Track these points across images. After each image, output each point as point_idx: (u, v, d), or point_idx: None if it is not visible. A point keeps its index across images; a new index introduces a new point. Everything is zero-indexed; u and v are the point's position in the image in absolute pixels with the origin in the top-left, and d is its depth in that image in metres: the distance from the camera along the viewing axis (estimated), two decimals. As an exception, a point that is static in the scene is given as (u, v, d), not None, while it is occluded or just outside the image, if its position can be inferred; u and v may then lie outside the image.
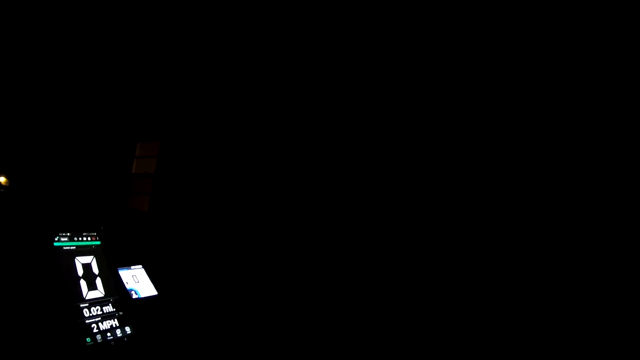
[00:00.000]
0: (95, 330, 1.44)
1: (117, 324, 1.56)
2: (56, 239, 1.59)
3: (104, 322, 1.51)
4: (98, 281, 1.64)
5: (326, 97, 2.04)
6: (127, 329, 1.58)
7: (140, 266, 1.98)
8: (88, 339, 1.39)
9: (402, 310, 1.62)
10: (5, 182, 2.33)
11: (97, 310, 1.52)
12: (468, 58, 1.59)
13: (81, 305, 1.48)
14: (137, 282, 1.88)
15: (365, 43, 1.91)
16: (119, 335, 1.53)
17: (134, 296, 1.79)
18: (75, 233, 1.68)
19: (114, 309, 1.60)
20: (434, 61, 1.68)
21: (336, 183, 1.94)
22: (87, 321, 1.45)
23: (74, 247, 1.63)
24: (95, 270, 1.66)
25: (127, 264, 1.90)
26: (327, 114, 2.03)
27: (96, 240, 1.78)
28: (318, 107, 2.07)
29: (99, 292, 1.60)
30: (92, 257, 1.69)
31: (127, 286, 1.79)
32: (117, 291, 1.69)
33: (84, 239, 1.72)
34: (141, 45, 2.68)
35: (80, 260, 1.61)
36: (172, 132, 2.71)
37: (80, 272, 1.58)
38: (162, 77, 2.82)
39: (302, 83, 2.15)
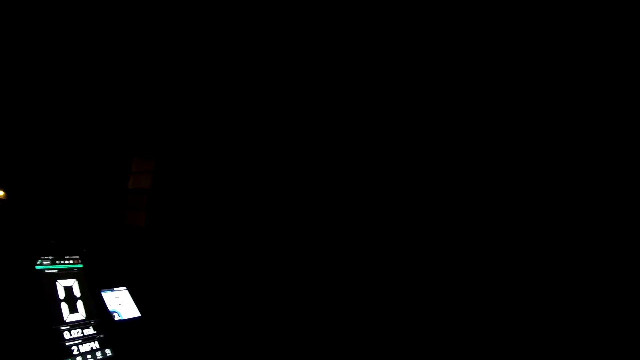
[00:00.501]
0: (75, 353, 1.46)
1: (98, 346, 1.57)
2: (38, 262, 1.61)
3: (85, 345, 1.52)
4: (79, 304, 1.66)
5: (322, 107, 2.09)
6: (108, 351, 1.60)
7: (124, 288, 2.00)
8: (67, 362, 1.40)
9: (402, 310, 1.62)
10: (3, 196, 2.33)
11: (77, 332, 1.54)
12: (468, 58, 1.62)
13: (62, 328, 1.49)
14: (120, 304, 1.90)
15: (362, 42, 1.94)
16: (99, 357, 1.54)
17: (116, 318, 1.80)
18: (57, 257, 1.71)
19: (95, 332, 1.62)
20: (433, 61, 1.71)
21: (332, 193, 1.97)
22: (67, 344, 1.46)
23: (56, 271, 1.66)
24: (77, 293, 1.68)
25: (111, 286, 1.92)
26: (323, 122, 2.07)
27: (78, 263, 1.80)
28: (313, 116, 2.12)
29: (80, 315, 1.62)
30: (74, 280, 1.72)
31: (110, 308, 1.81)
32: (98, 313, 1.71)
33: (66, 262, 1.74)
34: (139, 61, 2.76)
35: (61, 284, 1.64)
36: (168, 149, 2.77)
37: (61, 295, 1.60)
38: (159, 93, 2.89)
39: (296, 97, 2.20)
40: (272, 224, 2.16)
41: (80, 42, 2.60)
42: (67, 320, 1.54)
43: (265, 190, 2.25)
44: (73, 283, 1.70)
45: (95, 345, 1.56)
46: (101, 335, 1.63)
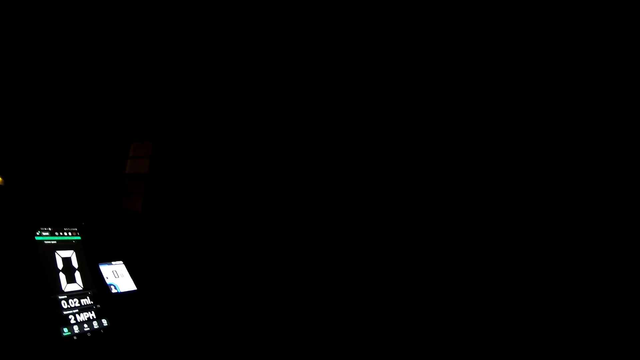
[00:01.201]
0: (72, 322, 1.50)
1: (95, 316, 1.61)
2: (37, 233, 1.64)
3: (82, 314, 1.56)
4: (77, 275, 1.69)
5: (319, 94, 2.08)
6: (104, 322, 1.64)
7: (121, 262, 2.04)
8: (65, 330, 1.45)
9: (401, 310, 1.64)
10: (1, 182, 2.36)
11: (75, 302, 1.58)
12: (468, 58, 1.61)
13: (59, 297, 1.53)
14: (117, 277, 1.94)
15: (361, 41, 1.93)
16: (95, 327, 1.59)
17: (113, 290, 1.85)
18: (56, 228, 1.74)
19: (92, 302, 1.66)
20: (433, 61, 1.70)
21: (327, 180, 1.98)
22: (64, 312, 1.50)
23: (55, 242, 1.69)
24: (75, 264, 1.72)
25: (108, 260, 1.96)
26: (321, 110, 2.07)
27: (77, 235, 1.84)
28: (312, 104, 2.11)
29: (78, 285, 1.66)
30: (72, 251, 1.75)
31: (107, 281, 1.85)
32: (96, 285, 1.75)
33: (65, 234, 1.77)
34: (136, 46, 2.74)
35: (60, 254, 1.67)
36: (165, 133, 2.77)
37: (60, 265, 1.64)
38: (156, 78, 2.88)
39: (294, 82, 2.19)
40: (268, 210, 2.19)
41: (75, 28, 2.58)
42: (65, 290, 1.58)
43: (261, 175, 2.26)
44: (71, 254, 1.73)
45: (91, 315, 1.61)
46: (98, 306, 1.67)
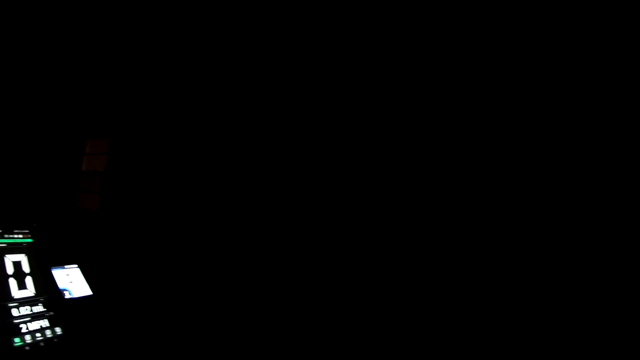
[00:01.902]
0: (24, 331, 1.42)
1: (48, 324, 1.54)
2: (-16, 236, 1.53)
3: (34, 322, 1.48)
4: (28, 280, 1.60)
5: (281, 81, 2.06)
6: (58, 330, 1.57)
7: (76, 265, 1.94)
8: (16, 340, 1.37)
9: (401, 310, 1.63)
10: None
11: (26, 310, 1.50)
12: (467, 58, 1.62)
13: (9, 305, 1.45)
14: (71, 281, 1.85)
15: (350, 40, 1.91)
16: (48, 335, 1.51)
17: (67, 296, 1.76)
18: (5, 230, 1.63)
19: (45, 309, 1.58)
20: (433, 61, 1.70)
21: (296, 175, 1.98)
22: (15, 321, 1.42)
23: (4, 245, 1.58)
24: (26, 268, 1.62)
25: (61, 263, 1.86)
26: (287, 99, 2.04)
27: (28, 237, 1.73)
28: (277, 94, 2.09)
29: (29, 292, 1.57)
30: (23, 255, 1.65)
31: (60, 285, 1.76)
32: (48, 291, 1.66)
33: (15, 236, 1.66)
34: (91, 36, 2.60)
35: (10, 258, 1.57)
36: (123, 129, 2.65)
37: (10, 270, 1.54)
38: (115, 71, 2.74)
39: (258, 72, 2.15)
40: (232, 207, 2.17)
41: (30, 21, 2.41)
42: (15, 297, 1.49)
43: (226, 171, 2.21)
44: (22, 258, 1.63)
45: (44, 323, 1.53)
46: (51, 313, 1.59)
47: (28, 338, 1.42)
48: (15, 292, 1.50)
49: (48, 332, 1.52)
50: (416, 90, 1.74)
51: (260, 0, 1.99)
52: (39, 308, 1.56)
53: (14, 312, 1.44)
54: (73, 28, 2.54)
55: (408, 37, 1.77)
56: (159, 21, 2.36)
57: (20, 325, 1.43)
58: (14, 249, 1.61)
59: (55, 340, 1.52)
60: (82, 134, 2.76)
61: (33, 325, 1.47)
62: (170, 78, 2.53)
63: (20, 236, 1.69)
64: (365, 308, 1.71)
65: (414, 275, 1.63)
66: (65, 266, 1.87)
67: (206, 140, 2.33)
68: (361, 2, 1.83)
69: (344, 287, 1.78)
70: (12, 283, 1.51)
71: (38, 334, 1.47)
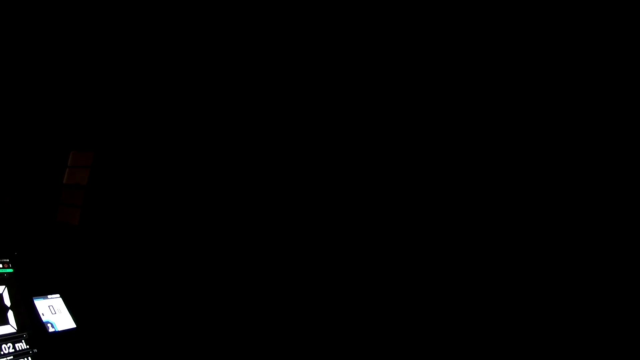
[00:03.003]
0: (6, 372, 1.30)
1: (32, 363, 1.41)
2: (-39, 267, 1.41)
3: (17, 362, 1.36)
4: (10, 314, 1.47)
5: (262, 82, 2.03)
6: (43, 368, 1.44)
7: (58, 295, 1.81)
8: (-1, 383, 1.25)
9: (401, 310, 1.61)
10: None
11: (8, 348, 1.37)
12: (467, 58, 1.62)
13: (-10, 344, 1.32)
14: (54, 313, 1.72)
15: (345, 40, 1.88)
16: (33, 375, 1.39)
17: (51, 329, 1.63)
18: (-15, 260, 1.50)
19: (28, 346, 1.45)
20: (433, 61, 1.70)
21: (281, 178, 1.94)
22: (-4, 362, 1.30)
23: (-16, 276, 1.46)
24: (7, 302, 1.50)
25: (43, 293, 1.73)
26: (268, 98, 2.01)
27: (8, 267, 1.60)
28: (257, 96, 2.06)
29: (11, 327, 1.44)
30: (3, 287, 1.52)
31: (43, 318, 1.63)
32: (31, 325, 1.53)
33: (-4, 266, 1.54)
34: (75, 48, 2.50)
35: (-10, 291, 1.44)
36: (107, 142, 2.55)
37: (-11, 304, 1.41)
38: (98, 82, 2.64)
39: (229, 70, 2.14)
40: (223, 223, 2.09)
41: (12, 33, 2.31)
42: (-4, 334, 1.37)
43: (211, 187, 2.14)
44: (2, 290, 1.51)
45: (28, 361, 1.41)
46: (35, 351, 1.46)
47: (11, 380, 1.30)
48: (-4, 329, 1.38)
49: (32, 372, 1.40)
50: (416, 90, 1.72)
51: (244, 2, 1.96)
52: (22, 345, 1.43)
53: (-4, 352, 1.32)
54: (56, 40, 2.44)
55: (408, 37, 1.76)
56: (143, 35, 2.30)
57: (3, 366, 1.31)
58: (-6, 280, 1.49)
59: (39, 380, 1.40)
60: (65, 146, 2.63)
61: (16, 365, 1.35)
62: (156, 92, 2.46)
63: (1, 266, 1.56)
64: (365, 308, 1.68)
65: (414, 275, 1.61)
66: (48, 296, 1.74)
67: (191, 154, 2.26)
68: (361, 2, 1.81)
69: (344, 287, 1.74)
70: (-7, 319, 1.39)
71: (21, 375, 1.35)
